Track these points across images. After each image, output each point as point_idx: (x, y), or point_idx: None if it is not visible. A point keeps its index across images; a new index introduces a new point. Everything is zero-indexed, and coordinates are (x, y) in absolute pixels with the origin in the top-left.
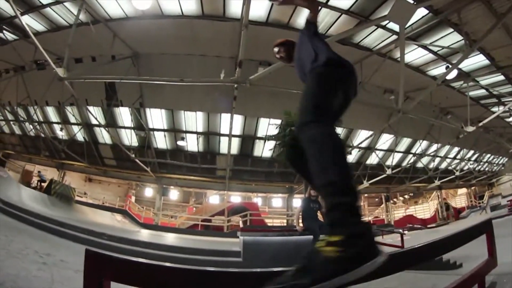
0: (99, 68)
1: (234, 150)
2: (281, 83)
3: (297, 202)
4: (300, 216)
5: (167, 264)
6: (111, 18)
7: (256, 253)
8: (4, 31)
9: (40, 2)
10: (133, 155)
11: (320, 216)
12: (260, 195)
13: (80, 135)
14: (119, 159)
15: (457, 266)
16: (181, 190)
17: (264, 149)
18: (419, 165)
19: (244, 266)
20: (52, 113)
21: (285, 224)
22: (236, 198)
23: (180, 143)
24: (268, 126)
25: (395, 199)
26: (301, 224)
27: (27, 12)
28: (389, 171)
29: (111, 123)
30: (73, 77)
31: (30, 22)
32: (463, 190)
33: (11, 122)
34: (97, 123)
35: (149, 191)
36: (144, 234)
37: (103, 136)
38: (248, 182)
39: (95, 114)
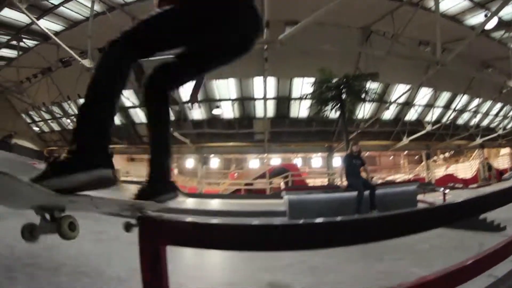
0: None
1: (270, 113)
2: (312, 41)
3: (337, 160)
4: (343, 173)
5: (223, 221)
6: (126, 2)
7: (301, 211)
8: (23, 40)
9: (52, 3)
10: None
11: (362, 173)
12: (300, 156)
13: (116, 119)
14: None
15: (501, 228)
16: (221, 157)
17: (301, 109)
18: (460, 122)
19: None
20: None
21: (326, 184)
22: (276, 160)
23: (215, 111)
24: (303, 85)
25: (435, 157)
26: (344, 181)
27: (42, 16)
28: (428, 127)
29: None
30: None
31: (47, 25)
32: (506, 150)
33: (49, 121)
34: (131, 104)
35: (190, 162)
36: (190, 203)
37: (139, 116)
38: (287, 144)
39: (128, 96)
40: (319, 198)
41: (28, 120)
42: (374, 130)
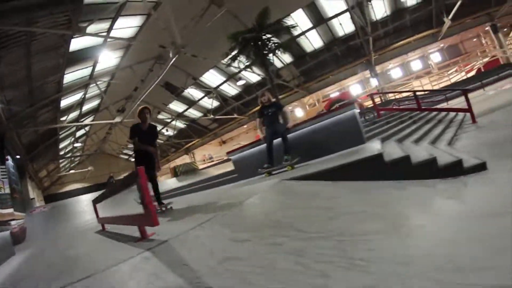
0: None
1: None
2: None
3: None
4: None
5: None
6: None
7: (242, 167)
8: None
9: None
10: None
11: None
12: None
13: (180, 124)
14: (217, 121)
15: None
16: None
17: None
18: None
19: (239, 179)
20: None
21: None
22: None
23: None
24: None
25: (505, 29)
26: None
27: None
28: None
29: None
30: None
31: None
32: None
33: None
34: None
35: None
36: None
37: (193, 113)
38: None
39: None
40: (251, 153)
41: (125, 157)
42: (399, 26)
